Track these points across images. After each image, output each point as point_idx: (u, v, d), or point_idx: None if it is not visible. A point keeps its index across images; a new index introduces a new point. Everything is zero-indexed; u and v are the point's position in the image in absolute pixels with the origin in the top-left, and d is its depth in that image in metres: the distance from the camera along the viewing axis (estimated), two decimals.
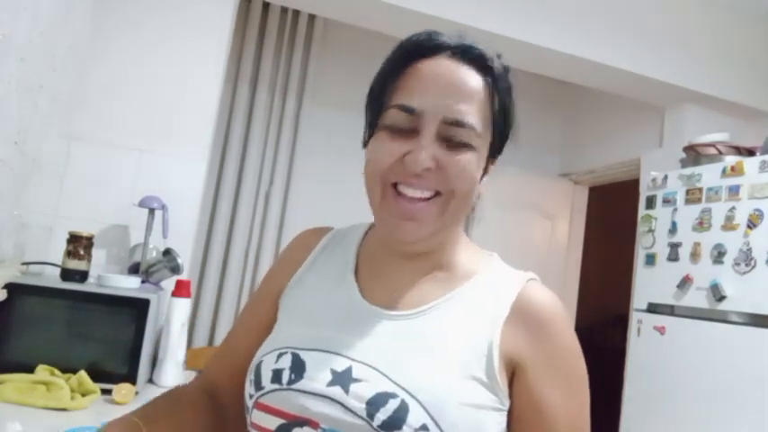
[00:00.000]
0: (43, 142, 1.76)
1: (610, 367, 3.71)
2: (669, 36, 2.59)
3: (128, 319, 1.49)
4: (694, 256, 2.18)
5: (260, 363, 0.67)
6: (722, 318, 2.05)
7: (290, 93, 2.98)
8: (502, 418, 0.62)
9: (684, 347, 2.17)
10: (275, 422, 0.62)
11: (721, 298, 2.04)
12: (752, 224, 1.98)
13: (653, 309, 2.35)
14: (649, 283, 2.38)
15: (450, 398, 0.59)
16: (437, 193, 0.65)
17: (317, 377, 0.62)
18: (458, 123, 0.63)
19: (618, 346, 3.31)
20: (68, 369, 1.40)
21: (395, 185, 0.65)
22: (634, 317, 2.43)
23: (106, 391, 1.39)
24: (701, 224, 2.17)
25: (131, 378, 1.45)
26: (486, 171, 0.70)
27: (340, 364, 0.62)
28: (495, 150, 0.70)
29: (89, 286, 1.54)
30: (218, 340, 2.83)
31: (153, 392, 1.53)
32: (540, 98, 3.62)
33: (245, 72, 2.90)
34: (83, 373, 1.39)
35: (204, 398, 0.76)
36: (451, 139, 0.64)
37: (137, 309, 1.50)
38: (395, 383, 0.59)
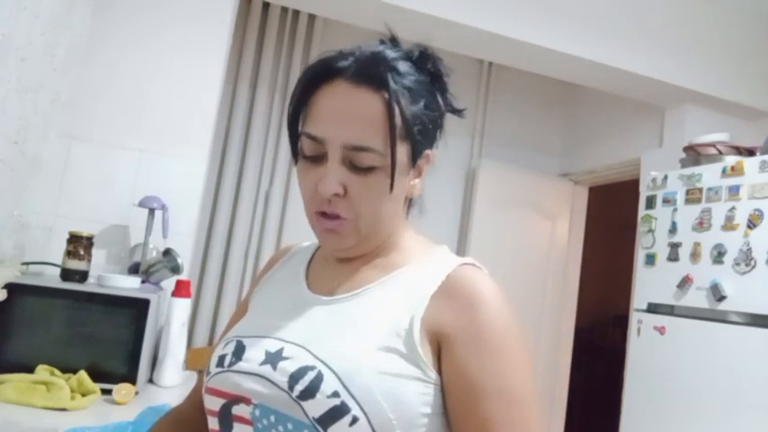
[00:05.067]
0: (43, 142, 1.76)
1: (610, 367, 3.72)
2: (669, 36, 2.59)
3: (128, 319, 1.49)
4: (694, 256, 2.18)
5: (212, 354, 0.73)
6: (722, 318, 2.04)
7: (290, 93, 2.97)
8: (427, 390, 0.64)
9: (684, 347, 2.16)
10: (218, 402, 0.68)
11: (721, 298, 2.04)
12: (752, 224, 1.98)
13: (653, 309, 2.35)
14: (649, 283, 2.38)
15: (363, 367, 0.62)
16: (345, 218, 0.70)
17: (252, 358, 0.67)
18: (358, 148, 0.66)
19: (618, 346, 3.31)
20: (68, 369, 1.40)
21: None
22: (634, 317, 2.43)
23: (106, 391, 1.39)
24: (701, 224, 2.17)
25: (131, 378, 1.46)
26: (420, 171, 0.75)
27: (273, 346, 0.67)
28: (417, 153, 0.72)
29: (89, 286, 1.54)
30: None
31: (153, 392, 1.55)
32: (540, 98, 3.61)
33: (245, 72, 2.89)
34: (83, 373, 1.39)
35: (198, 415, 0.80)
36: (356, 162, 0.67)
37: (137, 309, 1.50)
38: (315, 357, 0.64)
